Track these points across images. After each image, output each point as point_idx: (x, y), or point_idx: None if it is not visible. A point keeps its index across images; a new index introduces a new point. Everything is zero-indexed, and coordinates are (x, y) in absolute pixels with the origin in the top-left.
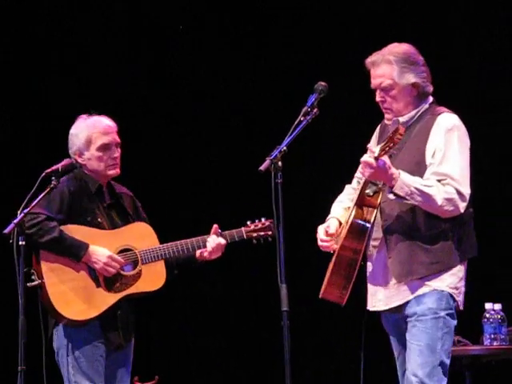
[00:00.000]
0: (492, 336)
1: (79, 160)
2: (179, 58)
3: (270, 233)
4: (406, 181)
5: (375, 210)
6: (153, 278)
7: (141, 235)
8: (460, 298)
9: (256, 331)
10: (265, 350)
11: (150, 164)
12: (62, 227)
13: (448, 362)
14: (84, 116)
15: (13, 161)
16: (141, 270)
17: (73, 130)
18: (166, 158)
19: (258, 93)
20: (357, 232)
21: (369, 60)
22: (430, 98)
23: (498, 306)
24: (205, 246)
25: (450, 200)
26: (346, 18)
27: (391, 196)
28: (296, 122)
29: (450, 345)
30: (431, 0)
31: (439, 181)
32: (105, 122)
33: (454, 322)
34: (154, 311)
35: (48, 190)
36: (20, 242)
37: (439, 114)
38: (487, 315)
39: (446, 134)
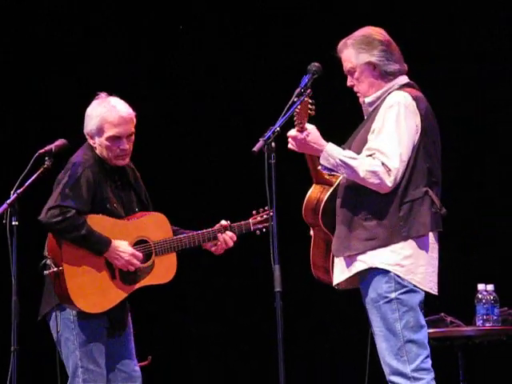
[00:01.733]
0: (484, 317)
1: (90, 142)
2: (179, 58)
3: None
4: (331, 152)
5: (331, 188)
6: (165, 270)
7: (156, 226)
8: (412, 276)
9: (252, 315)
10: (260, 335)
11: (150, 164)
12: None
13: (419, 336)
14: (103, 95)
15: (13, 161)
16: (154, 262)
17: (88, 111)
18: (165, 158)
19: (258, 93)
20: (310, 209)
21: (337, 49)
22: (404, 80)
23: (490, 287)
24: (215, 239)
25: (373, 172)
26: (346, 17)
27: (319, 167)
28: (289, 103)
29: (415, 320)
30: (431, 0)
31: (370, 155)
32: (119, 112)
33: (414, 299)
34: (148, 294)
35: (42, 170)
36: (13, 223)
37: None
38: (480, 296)
39: (385, 111)
